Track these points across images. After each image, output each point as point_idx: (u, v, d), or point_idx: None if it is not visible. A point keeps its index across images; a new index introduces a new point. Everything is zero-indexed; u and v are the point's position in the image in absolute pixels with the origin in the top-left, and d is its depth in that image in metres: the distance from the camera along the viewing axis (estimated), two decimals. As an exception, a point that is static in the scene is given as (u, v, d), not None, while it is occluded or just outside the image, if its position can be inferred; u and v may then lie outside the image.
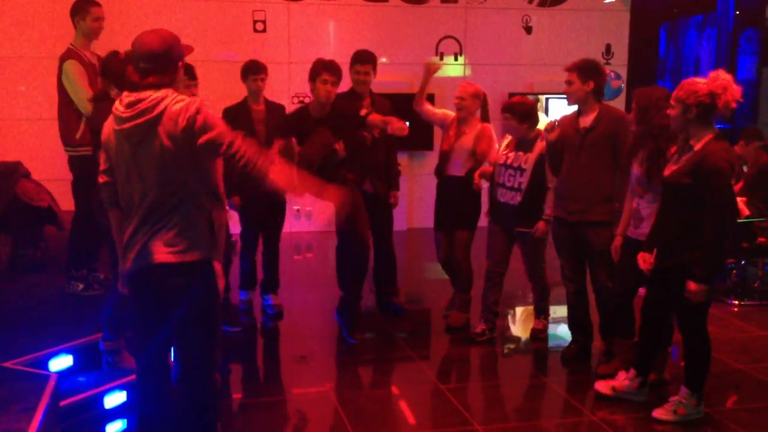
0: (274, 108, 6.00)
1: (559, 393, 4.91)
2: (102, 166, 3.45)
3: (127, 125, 3.22)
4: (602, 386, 4.68)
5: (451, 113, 5.87)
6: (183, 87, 5.17)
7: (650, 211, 4.57)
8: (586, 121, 5.02)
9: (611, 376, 4.80)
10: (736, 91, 4.06)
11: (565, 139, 5.09)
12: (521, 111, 5.37)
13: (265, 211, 6.03)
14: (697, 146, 4.12)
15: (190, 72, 5.49)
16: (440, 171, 5.88)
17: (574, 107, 5.14)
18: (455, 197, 5.78)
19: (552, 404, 4.81)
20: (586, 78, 4.97)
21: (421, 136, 8.95)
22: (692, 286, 4.12)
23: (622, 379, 4.63)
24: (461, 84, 5.91)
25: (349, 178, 5.37)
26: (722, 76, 4.08)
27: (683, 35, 12.59)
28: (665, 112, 4.37)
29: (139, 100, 3.20)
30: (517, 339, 5.86)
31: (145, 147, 3.21)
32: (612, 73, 9.30)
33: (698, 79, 4.15)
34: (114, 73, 4.52)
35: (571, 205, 5.06)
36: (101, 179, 3.46)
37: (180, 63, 3.33)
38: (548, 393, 4.96)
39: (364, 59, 5.92)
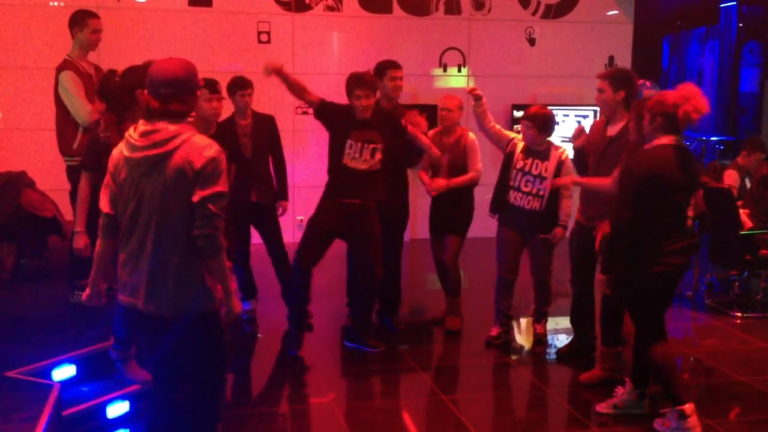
0: (261, 119, 6.01)
1: (562, 404, 4.91)
2: (104, 197, 3.38)
3: (138, 154, 3.18)
4: (603, 407, 4.65)
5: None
6: (204, 101, 5.21)
7: None
8: (613, 129, 5.03)
9: (594, 384, 4.92)
10: (697, 102, 4.11)
11: (592, 146, 5.14)
12: (543, 121, 5.43)
13: (256, 220, 6.05)
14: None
15: (211, 86, 5.42)
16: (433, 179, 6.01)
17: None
18: (448, 204, 5.94)
19: (554, 415, 4.81)
20: (618, 87, 4.98)
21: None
22: (599, 276, 4.39)
23: (621, 395, 4.63)
24: (444, 96, 6.07)
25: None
26: (688, 87, 4.18)
27: (686, 47, 12.63)
28: None
29: (155, 131, 3.17)
30: (519, 349, 5.86)
31: (151, 180, 3.17)
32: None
33: (669, 91, 4.24)
34: (109, 93, 4.56)
35: (590, 211, 5.11)
36: (105, 210, 3.37)
37: (198, 93, 3.32)
38: (550, 404, 4.97)
39: (397, 65, 6.01)
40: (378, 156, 5.43)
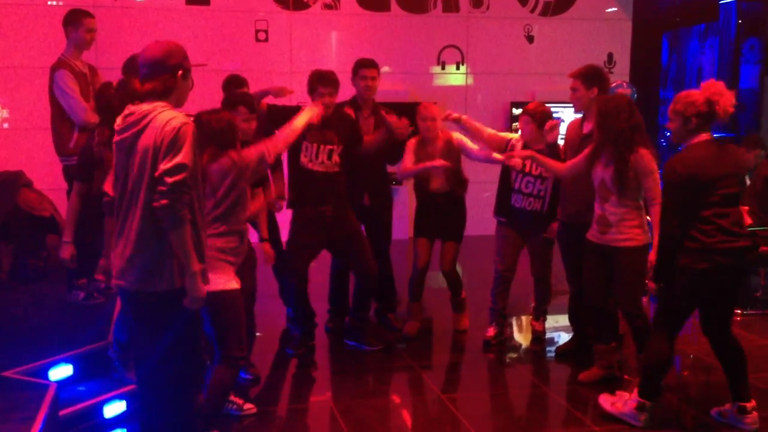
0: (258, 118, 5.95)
1: (561, 403, 4.90)
2: (109, 180, 3.48)
3: (118, 137, 3.29)
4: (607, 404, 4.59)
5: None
6: (242, 120, 4.69)
7: (618, 217, 4.65)
8: (588, 126, 5.08)
9: (593, 383, 4.94)
10: (730, 96, 4.12)
11: (569, 144, 5.24)
12: (541, 117, 5.38)
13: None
14: None
15: (250, 105, 4.94)
16: (422, 188, 5.80)
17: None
18: (443, 210, 5.78)
19: (553, 414, 4.80)
20: (590, 84, 5.05)
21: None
22: (650, 284, 4.41)
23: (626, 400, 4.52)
24: (423, 106, 5.76)
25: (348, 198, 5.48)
26: (715, 85, 4.15)
27: (685, 44, 12.60)
28: (624, 116, 4.52)
29: (132, 113, 3.25)
30: (518, 347, 5.85)
31: (130, 159, 3.23)
32: (624, 83, 9.21)
33: (693, 91, 4.20)
34: (103, 107, 4.53)
35: (569, 207, 5.16)
36: (108, 191, 3.47)
37: (179, 72, 3.29)
38: (549, 403, 4.95)
39: (369, 64, 5.81)
40: (335, 158, 5.35)
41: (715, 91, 4.12)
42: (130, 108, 3.29)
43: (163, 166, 3.12)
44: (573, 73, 5.15)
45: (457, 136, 5.76)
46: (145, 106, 3.23)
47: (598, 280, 4.84)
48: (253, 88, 6.00)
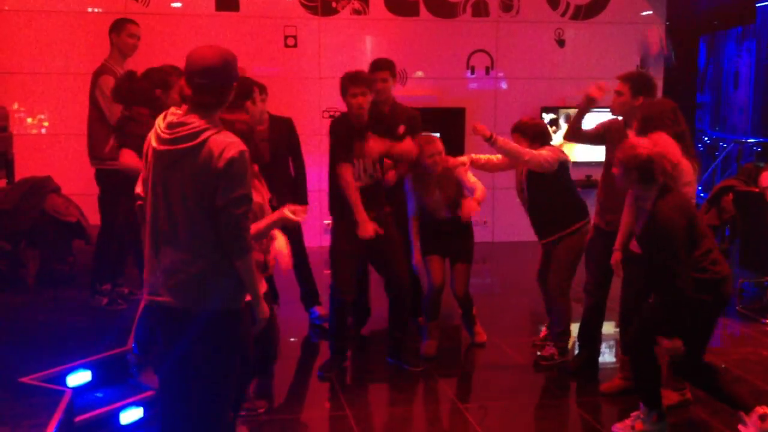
0: (278, 123, 5.92)
1: (581, 413, 4.82)
2: (140, 181, 3.41)
3: (162, 147, 3.14)
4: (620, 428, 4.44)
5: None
6: (259, 101, 5.12)
7: None
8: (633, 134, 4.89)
9: (615, 394, 4.86)
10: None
11: (612, 142, 4.96)
12: (533, 132, 5.26)
13: None
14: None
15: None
16: (429, 217, 5.57)
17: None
18: (451, 233, 5.58)
19: (572, 425, 4.74)
20: (637, 92, 4.85)
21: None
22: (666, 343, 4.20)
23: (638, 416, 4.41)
24: (426, 140, 5.45)
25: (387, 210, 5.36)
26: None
27: (722, 47, 12.40)
28: (668, 122, 4.37)
29: (182, 124, 3.11)
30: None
31: (174, 174, 3.13)
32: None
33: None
34: (126, 98, 4.54)
35: (609, 216, 4.97)
36: (139, 192, 3.45)
37: (234, 84, 3.22)
38: (569, 414, 4.89)
39: (380, 66, 5.64)
40: (378, 166, 5.26)
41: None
42: (178, 116, 3.14)
43: (228, 197, 3.08)
44: (623, 75, 4.94)
45: (459, 167, 5.51)
46: (196, 122, 3.10)
47: (635, 292, 4.68)
48: (282, 93, 5.97)
